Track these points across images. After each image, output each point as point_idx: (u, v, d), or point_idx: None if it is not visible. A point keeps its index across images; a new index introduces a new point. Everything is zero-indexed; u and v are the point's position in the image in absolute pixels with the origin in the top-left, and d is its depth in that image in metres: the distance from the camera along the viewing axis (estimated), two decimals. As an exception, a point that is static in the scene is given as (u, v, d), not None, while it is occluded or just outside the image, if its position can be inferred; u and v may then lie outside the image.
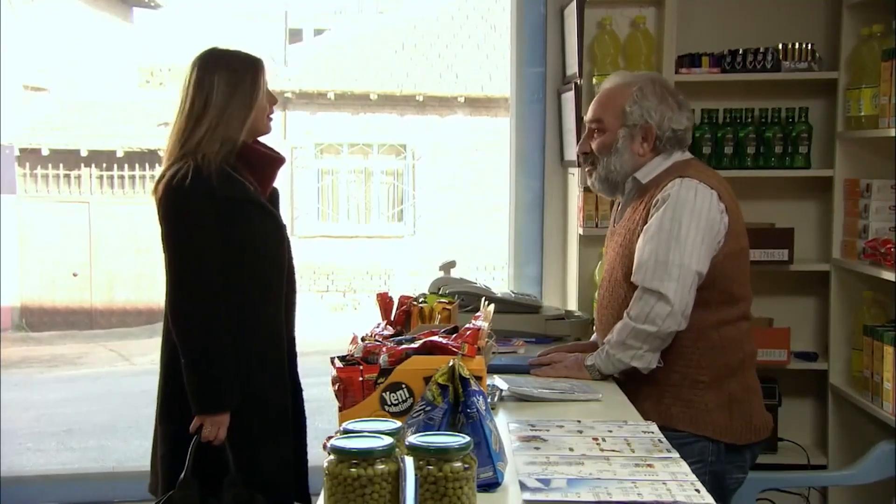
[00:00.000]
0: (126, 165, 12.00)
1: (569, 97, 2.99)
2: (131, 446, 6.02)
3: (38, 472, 4.97)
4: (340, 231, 12.62)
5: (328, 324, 11.22)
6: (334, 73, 12.45)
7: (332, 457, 1.29)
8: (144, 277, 11.41)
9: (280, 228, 2.30)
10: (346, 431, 1.37)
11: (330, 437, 1.64)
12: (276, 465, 2.28)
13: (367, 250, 12.41)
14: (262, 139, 2.35)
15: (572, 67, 2.96)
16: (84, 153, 11.84)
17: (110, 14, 13.69)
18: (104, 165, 11.91)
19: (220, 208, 2.16)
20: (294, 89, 12.36)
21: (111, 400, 7.58)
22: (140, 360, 9.43)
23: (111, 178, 11.97)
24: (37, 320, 11.28)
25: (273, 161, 2.33)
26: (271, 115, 2.34)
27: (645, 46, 2.94)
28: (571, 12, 2.95)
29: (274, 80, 12.38)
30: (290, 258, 2.35)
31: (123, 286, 11.51)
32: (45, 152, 11.66)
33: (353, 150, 12.78)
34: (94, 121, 12.14)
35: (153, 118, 12.45)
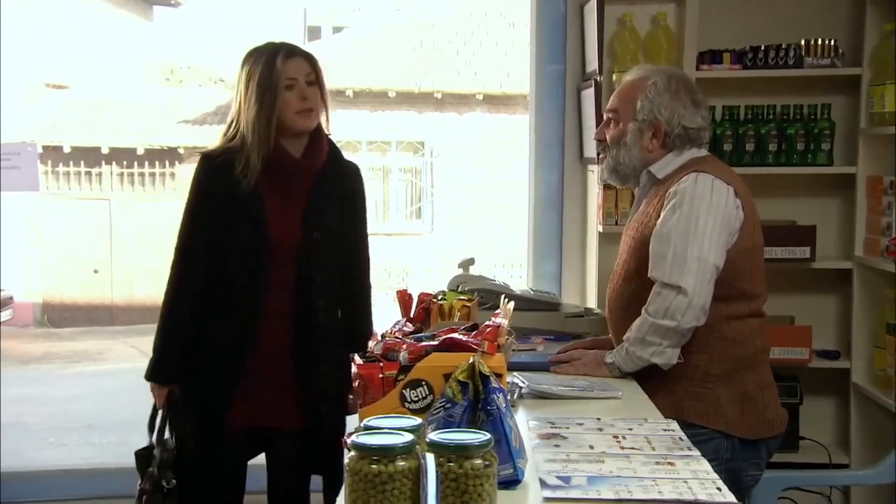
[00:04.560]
0: (146, 163, 12.08)
1: (588, 94, 2.98)
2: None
3: (59, 466, 5.01)
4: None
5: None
6: (353, 70, 12.46)
7: (352, 453, 1.29)
8: (164, 274, 11.45)
9: (255, 224, 2.29)
10: (366, 428, 1.37)
11: (350, 434, 1.65)
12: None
13: (385, 248, 12.42)
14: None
15: (592, 64, 2.95)
16: (105, 150, 11.92)
17: (131, 12, 13.78)
18: (125, 163, 11.99)
19: (202, 198, 2.33)
20: (312, 86, 12.37)
21: (132, 396, 7.61)
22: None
23: (131, 175, 12.05)
24: (58, 316, 11.37)
25: (281, 167, 2.32)
26: (303, 109, 2.29)
27: (665, 43, 2.93)
28: (591, 9, 2.94)
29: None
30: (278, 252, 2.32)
31: (143, 282, 11.58)
32: (66, 149, 11.75)
33: (371, 148, 12.80)
34: (115, 118, 12.22)
35: (173, 116, 12.52)
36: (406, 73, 12.45)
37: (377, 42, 12.85)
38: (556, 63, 3.15)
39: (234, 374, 2.30)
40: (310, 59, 2.34)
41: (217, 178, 2.30)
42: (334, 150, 2.40)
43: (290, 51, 2.32)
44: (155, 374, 2.36)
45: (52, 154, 11.58)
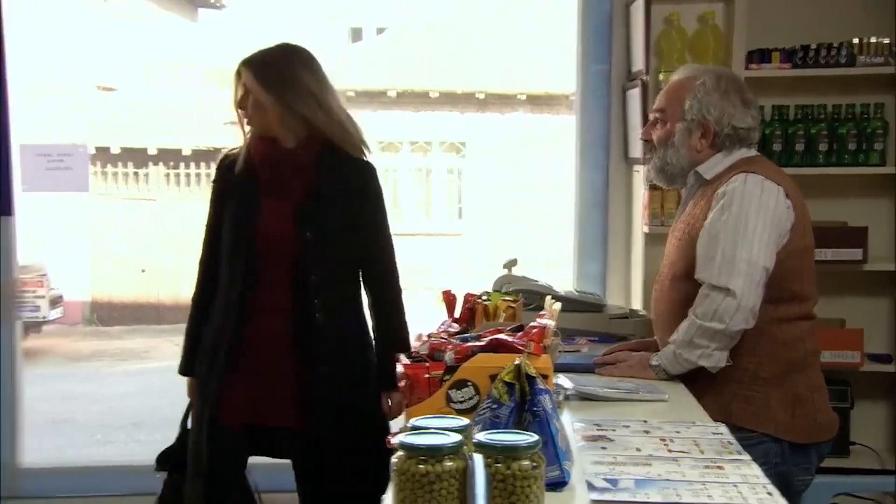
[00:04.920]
0: (192, 164, 12.23)
1: (634, 94, 2.96)
2: (197, 439, 6.14)
3: (107, 463, 5.09)
4: (400, 228, 12.65)
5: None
6: (395, 71, 12.51)
7: (400, 453, 1.29)
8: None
9: (240, 221, 2.33)
10: (413, 428, 1.37)
11: (395, 434, 1.65)
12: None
13: (426, 248, 12.45)
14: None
15: (638, 64, 2.93)
16: (152, 152, 12.10)
17: (177, 14, 13.97)
18: (171, 164, 12.16)
19: (214, 198, 2.44)
20: (356, 88, 12.46)
21: (177, 394, 7.72)
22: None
23: (178, 175, 12.21)
24: (106, 315, 11.56)
25: (270, 161, 2.37)
26: (244, 114, 2.36)
27: (713, 42, 2.89)
28: (638, 8, 2.92)
29: (336, 78, 12.52)
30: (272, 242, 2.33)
31: (189, 282, 11.73)
32: (114, 151, 11.95)
33: (413, 148, 12.84)
34: (162, 120, 12.40)
35: (218, 117, 12.66)
36: (448, 73, 12.47)
37: (420, 43, 12.88)
38: (602, 63, 3.13)
39: (220, 370, 2.32)
40: (246, 67, 2.37)
41: (222, 177, 2.41)
42: (332, 147, 2.36)
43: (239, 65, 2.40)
44: (179, 367, 2.51)
45: (102, 155, 11.78)
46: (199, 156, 12.24)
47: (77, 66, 11.22)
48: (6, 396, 3.00)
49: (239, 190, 2.35)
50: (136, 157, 12.00)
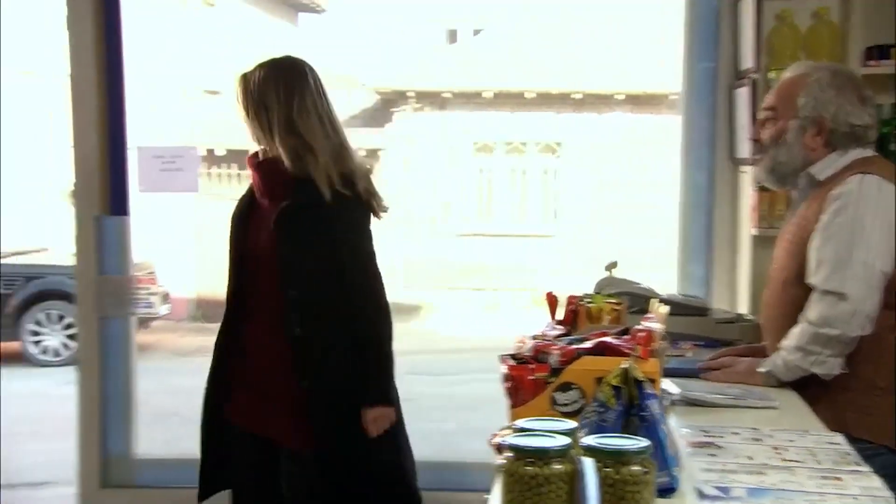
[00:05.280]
0: (292, 165, 12.50)
1: (742, 93, 2.88)
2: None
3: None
4: (495, 229, 12.68)
5: (482, 322, 11.30)
6: (491, 72, 12.52)
7: (508, 454, 1.29)
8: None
9: (234, 232, 2.43)
10: (519, 429, 1.37)
11: (496, 434, 1.65)
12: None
13: (521, 249, 12.42)
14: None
15: (746, 62, 2.85)
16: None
17: (278, 18, 14.31)
18: (274, 164, 12.44)
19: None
20: (451, 89, 12.52)
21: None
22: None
23: (277, 177, 12.50)
24: (211, 311, 11.90)
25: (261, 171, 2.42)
26: None
27: (828, 39, 2.79)
28: (747, 5, 2.85)
29: (433, 79, 12.66)
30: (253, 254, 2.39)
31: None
32: (219, 152, 12.32)
33: (508, 149, 12.82)
34: (264, 122, 12.70)
35: (317, 119, 12.90)
36: (545, 73, 12.41)
37: (516, 43, 12.85)
38: (708, 61, 3.06)
39: (221, 375, 2.43)
40: (236, 82, 2.42)
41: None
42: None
43: None
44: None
45: (208, 157, 12.16)
46: (299, 157, 12.51)
47: (184, 70, 11.61)
48: (122, 389, 3.12)
49: (239, 204, 2.46)
50: (241, 158, 12.29)
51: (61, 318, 8.62)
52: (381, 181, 12.80)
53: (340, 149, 2.38)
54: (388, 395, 2.38)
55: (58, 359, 8.54)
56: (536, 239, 12.49)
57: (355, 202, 2.35)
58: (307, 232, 2.32)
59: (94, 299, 3.05)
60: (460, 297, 12.13)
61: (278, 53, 2.46)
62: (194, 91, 12.33)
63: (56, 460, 4.71)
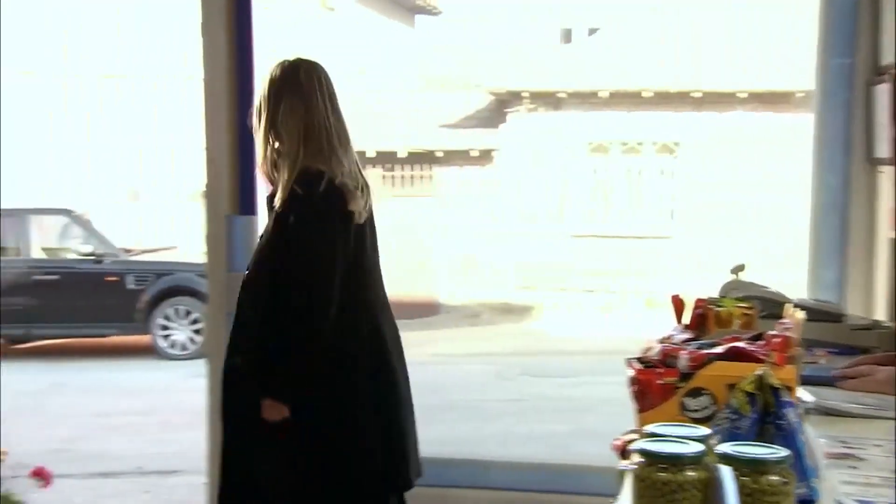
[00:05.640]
0: (406, 166, 12.67)
1: (881, 90, 2.75)
2: (410, 432, 6.34)
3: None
4: (610, 231, 12.52)
5: (594, 324, 11.18)
6: (607, 71, 12.37)
7: (639, 459, 1.27)
8: (419, 273, 12.00)
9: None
10: (650, 434, 1.35)
11: (620, 438, 1.62)
12: None
13: (637, 250, 12.22)
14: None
15: (888, 57, 2.72)
16: (371, 154, 12.66)
17: (396, 21, 14.53)
18: (387, 165, 12.65)
19: None
20: (567, 89, 12.43)
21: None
22: (415, 352, 9.87)
23: (393, 177, 12.69)
24: (324, 310, 12.20)
25: None
26: None
27: (976, 30, 2.63)
28: (888, -2, 2.72)
29: (548, 80, 12.61)
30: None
31: (400, 281, 12.17)
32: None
33: (624, 149, 12.64)
34: (380, 123, 12.93)
35: (433, 120, 13.04)
36: (662, 72, 12.18)
37: (633, 41, 12.66)
38: (845, 57, 2.93)
39: None
40: None
41: None
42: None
43: None
44: None
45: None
46: (414, 158, 12.67)
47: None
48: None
49: None
50: (381, 159, 12.57)
51: (188, 313, 8.98)
52: (494, 182, 12.85)
53: (319, 153, 2.35)
54: (280, 391, 2.34)
55: (184, 352, 8.89)
56: (652, 241, 12.26)
57: (307, 200, 2.30)
58: (261, 245, 2.43)
59: (223, 296, 3.15)
60: (573, 299, 12.04)
61: (295, 55, 2.48)
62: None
63: (184, 450, 4.92)
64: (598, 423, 6.45)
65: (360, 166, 2.45)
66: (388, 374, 2.46)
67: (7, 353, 8.45)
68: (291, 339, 2.32)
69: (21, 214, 9.02)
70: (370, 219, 2.45)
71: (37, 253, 9.07)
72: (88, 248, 9.01)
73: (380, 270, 2.53)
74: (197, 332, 8.75)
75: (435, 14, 15.34)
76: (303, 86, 2.38)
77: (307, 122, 2.35)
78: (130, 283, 8.97)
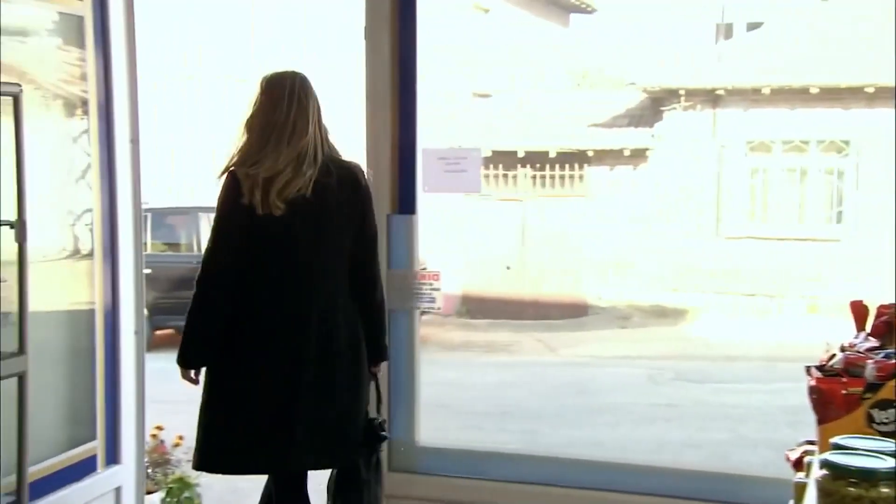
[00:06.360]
0: (557, 165, 12.59)
1: None
2: (559, 433, 6.29)
3: (480, 448, 5.37)
4: (770, 232, 12.01)
5: (752, 328, 10.75)
6: (769, 67, 11.87)
7: (825, 472, 1.21)
8: (570, 272, 11.90)
9: None
10: (836, 447, 1.28)
11: (796, 449, 1.55)
12: None
13: (799, 253, 11.66)
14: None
15: None
16: (520, 154, 12.65)
17: (549, 20, 14.46)
18: (537, 165, 12.62)
19: None
20: (726, 86, 12.02)
21: (539, 388, 8.02)
22: (565, 352, 9.84)
23: (543, 177, 12.65)
24: (475, 308, 12.29)
25: None
26: None
27: None
28: None
29: (706, 76, 12.23)
30: None
31: (551, 280, 12.11)
32: (486, 154, 12.67)
33: (787, 148, 12.09)
34: (530, 123, 12.91)
35: (584, 119, 12.91)
36: (830, 67, 11.57)
37: (798, 36, 12.10)
38: None
39: None
40: None
41: None
42: None
43: None
44: None
45: (473, 158, 12.54)
46: (564, 157, 12.57)
47: (456, 73, 12.04)
48: (406, 378, 3.27)
49: None
50: (506, 159, 12.61)
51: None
52: (647, 182, 12.57)
53: (269, 154, 2.63)
54: (183, 357, 2.69)
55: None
56: (817, 243, 11.67)
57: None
58: None
59: (384, 293, 3.22)
60: (729, 302, 11.63)
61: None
62: (464, 94, 12.77)
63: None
64: (757, 431, 6.21)
65: (304, 162, 2.64)
66: (278, 357, 2.62)
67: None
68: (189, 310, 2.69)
69: (192, 212, 9.51)
70: (311, 211, 2.63)
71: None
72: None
73: (324, 260, 2.68)
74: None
75: (590, 12, 15.16)
76: (272, 95, 2.70)
77: (273, 125, 2.67)
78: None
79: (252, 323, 2.63)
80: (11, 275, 2.58)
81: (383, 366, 2.96)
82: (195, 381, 2.72)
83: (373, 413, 2.84)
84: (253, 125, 2.67)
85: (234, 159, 2.66)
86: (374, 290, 2.79)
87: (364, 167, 2.88)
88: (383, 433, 2.81)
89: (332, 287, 2.68)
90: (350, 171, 2.73)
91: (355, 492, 2.75)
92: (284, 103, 2.65)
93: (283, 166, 2.60)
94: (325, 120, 2.74)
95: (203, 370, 2.70)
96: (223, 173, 2.65)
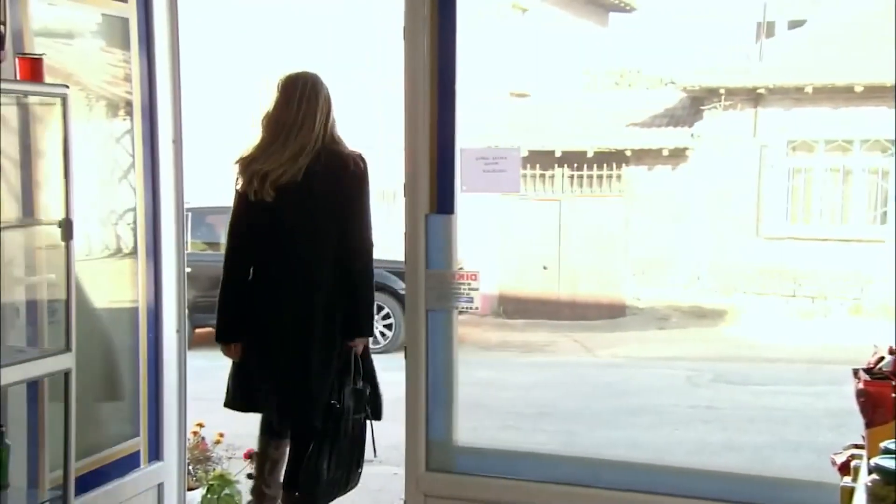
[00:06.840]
0: (594, 165, 12.52)
1: None
2: (596, 434, 6.25)
3: (517, 447, 5.35)
4: (811, 233, 11.84)
5: (794, 330, 10.61)
6: (812, 65, 11.70)
7: (875, 476, 1.19)
8: (606, 273, 11.82)
9: None
10: (885, 451, 1.26)
11: (839, 453, 1.53)
12: None
13: (842, 254, 11.49)
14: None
15: None
16: (558, 154, 12.59)
17: (588, 20, 14.38)
18: (575, 165, 12.55)
19: None
20: (768, 84, 11.86)
21: (577, 388, 7.97)
22: (602, 353, 9.77)
23: (580, 177, 12.58)
24: (512, 308, 12.26)
25: None
26: None
27: None
28: None
29: (747, 75, 12.08)
30: None
31: (587, 280, 12.05)
32: (523, 154, 12.64)
33: (829, 147, 11.91)
34: (568, 123, 12.85)
35: (622, 119, 12.82)
36: (875, 66, 11.37)
37: (841, 34, 11.91)
38: None
39: None
40: None
41: None
42: None
43: None
44: None
45: (511, 157, 12.50)
46: (602, 157, 12.49)
47: (493, 73, 12.03)
48: (444, 378, 3.26)
49: None
50: (543, 159, 12.56)
51: (380, 308, 9.27)
52: (686, 181, 12.43)
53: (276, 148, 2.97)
54: (217, 332, 3.10)
55: (375, 346, 9.19)
56: (861, 244, 11.48)
57: None
58: None
59: (422, 291, 3.22)
60: (769, 303, 11.49)
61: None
62: (500, 93, 12.75)
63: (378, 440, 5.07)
64: (798, 434, 6.11)
65: (302, 154, 2.96)
66: (269, 324, 3.03)
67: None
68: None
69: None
70: (298, 195, 2.96)
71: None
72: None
73: (309, 238, 3.01)
74: (388, 326, 8.99)
75: (629, 11, 15.05)
76: (283, 94, 3.02)
77: (281, 122, 3.00)
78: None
79: (256, 291, 3.05)
80: (57, 273, 2.62)
81: (419, 362, 2.98)
82: (238, 356, 3.08)
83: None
84: (268, 122, 3.00)
85: (248, 153, 3.01)
86: (355, 261, 3.04)
87: (363, 155, 3.10)
88: (337, 405, 3.08)
89: (315, 261, 3.01)
90: (340, 157, 3.02)
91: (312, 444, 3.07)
92: (295, 102, 2.97)
93: (285, 160, 2.95)
94: (336, 114, 3.05)
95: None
96: (235, 163, 3.03)
